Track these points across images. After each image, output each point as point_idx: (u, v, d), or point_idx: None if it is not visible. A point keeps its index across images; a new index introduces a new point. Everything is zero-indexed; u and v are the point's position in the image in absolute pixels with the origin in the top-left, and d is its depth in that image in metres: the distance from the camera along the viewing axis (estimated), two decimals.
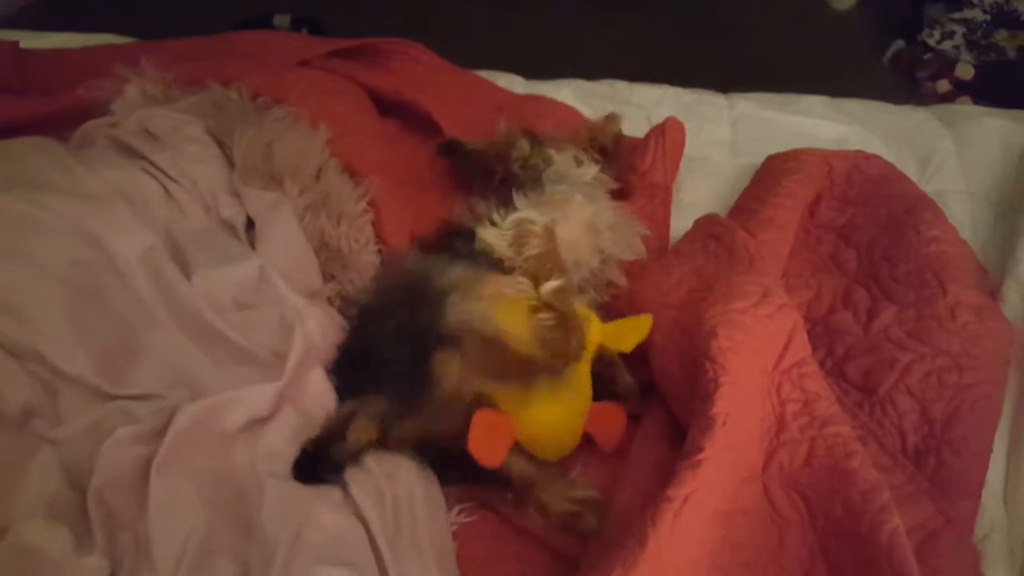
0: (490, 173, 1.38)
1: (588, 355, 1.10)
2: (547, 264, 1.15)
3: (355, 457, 1.03)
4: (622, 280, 1.27)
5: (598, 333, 1.13)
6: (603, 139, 1.39)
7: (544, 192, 1.25)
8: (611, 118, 1.46)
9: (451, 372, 1.01)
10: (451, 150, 1.45)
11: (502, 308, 1.05)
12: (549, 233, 1.17)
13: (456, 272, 1.09)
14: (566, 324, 1.05)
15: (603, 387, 1.14)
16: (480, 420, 1.00)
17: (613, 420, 1.14)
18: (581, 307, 1.13)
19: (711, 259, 1.22)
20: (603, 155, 1.39)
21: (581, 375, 1.10)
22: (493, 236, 1.18)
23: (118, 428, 0.96)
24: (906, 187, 1.37)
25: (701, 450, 0.91)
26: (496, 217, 1.20)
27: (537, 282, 1.11)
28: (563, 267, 1.16)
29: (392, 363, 1.05)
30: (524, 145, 1.35)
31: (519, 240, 1.17)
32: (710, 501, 0.89)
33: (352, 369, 1.10)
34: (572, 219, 1.21)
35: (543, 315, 1.06)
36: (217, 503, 0.95)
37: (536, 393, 1.04)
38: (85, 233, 1.10)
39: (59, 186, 1.15)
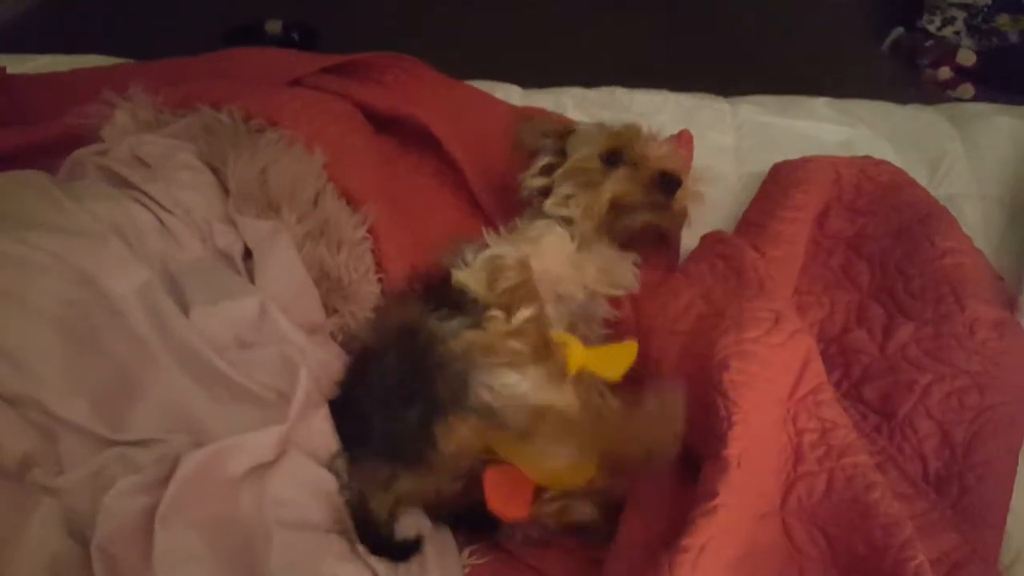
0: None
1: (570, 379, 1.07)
2: (519, 294, 1.12)
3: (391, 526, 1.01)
4: (613, 314, 1.25)
5: (581, 357, 1.09)
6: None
7: (518, 228, 1.23)
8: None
9: (458, 437, 0.98)
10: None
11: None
12: (522, 266, 1.14)
13: (466, 336, 1.05)
14: (541, 351, 1.03)
15: None
16: (492, 478, 0.98)
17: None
18: (559, 332, 1.11)
19: (720, 281, 1.19)
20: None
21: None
22: (466, 277, 1.15)
23: (120, 478, 0.93)
24: (917, 194, 1.34)
25: (715, 495, 0.88)
26: (468, 256, 1.17)
27: (510, 314, 1.08)
28: (536, 297, 1.12)
29: (381, 420, 1.03)
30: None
31: (493, 277, 1.14)
32: (728, 547, 0.87)
33: (346, 418, 1.08)
34: (548, 253, 1.18)
35: (514, 343, 1.03)
36: (224, 554, 0.93)
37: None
38: (78, 272, 1.07)
39: (49, 223, 1.11)
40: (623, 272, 1.26)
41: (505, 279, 1.12)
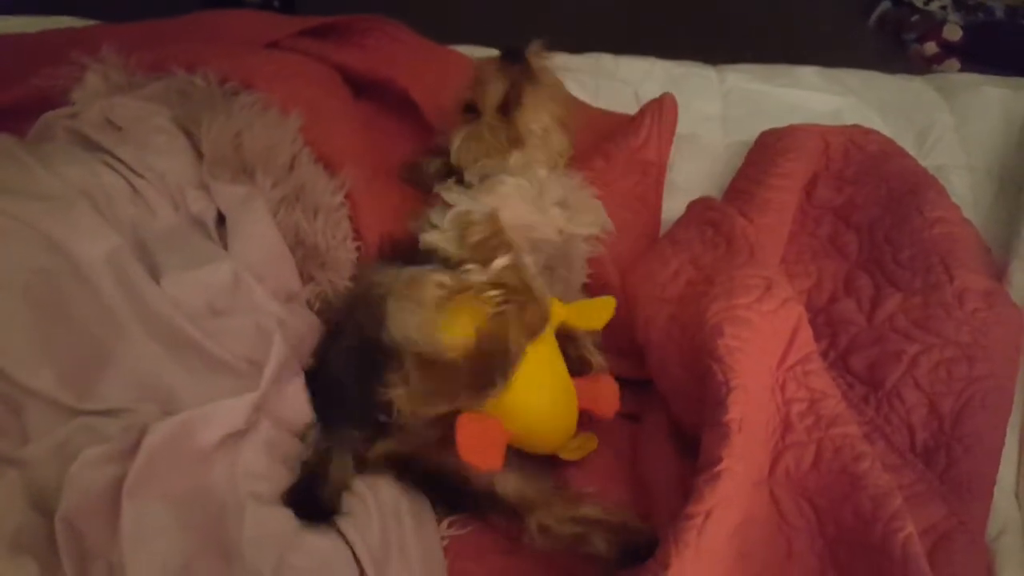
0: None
1: (551, 332, 1.06)
2: (491, 245, 1.08)
3: (339, 495, 0.98)
4: (594, 252, 1.23)
5: (561, 311, 1.08)
6: (486, 104, 1.25)
7: (475, 186, 1.20)
8: (483, 67, 1.29)
9: (400, 396, 0.95)
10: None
11: (447, 314, 0.99)
12: (491, 219, 1.11)
13: (390, 275, 1.02)
14: (519, 297, 1.00)
15: (574, 368, 1.09)
16: (465, 424, 0.94)
17: (604, 388, 1.09)
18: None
19: (709, 248, 1.17)
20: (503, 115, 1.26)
21: (552, 352, 1.06)
22: (438, 239, 1.12)
23: (86, 448, 0.90)
24: (906, 163, 1.32)
25: (719, 461, 0.86)
26: (435, 218, 1.14)
27: (486, 266, 1.05)
28: (509, 246, 1.08)
29: (347, 385, 1.01)
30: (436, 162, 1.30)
31: (463, 234, 1.10)
32: (730, 514, 0.85)
33: (315, 392, 1.06)
34: (512, 202, 1.16)
35: (493, 293, 1.00)
36: (194, 528, 0.90)
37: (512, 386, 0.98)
38: (45, 237, 1.03)
39: (15, 187, 1.07)
40: (587, 206, 1.24)
41: (474, 232, 1.09)
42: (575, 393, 1.06)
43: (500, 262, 1.03)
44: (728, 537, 0.86)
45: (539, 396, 1.02)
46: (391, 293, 0.99)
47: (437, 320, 0.97)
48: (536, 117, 1.25)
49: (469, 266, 1.04)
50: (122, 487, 0.88)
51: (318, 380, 1.06)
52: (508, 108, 1.24)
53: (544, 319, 1.01)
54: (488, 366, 0.94)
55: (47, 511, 0.89)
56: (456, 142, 1.25)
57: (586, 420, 1.09)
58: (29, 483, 0.92)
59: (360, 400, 0.99)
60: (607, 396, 1.09)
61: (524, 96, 1.24)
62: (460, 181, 1.25)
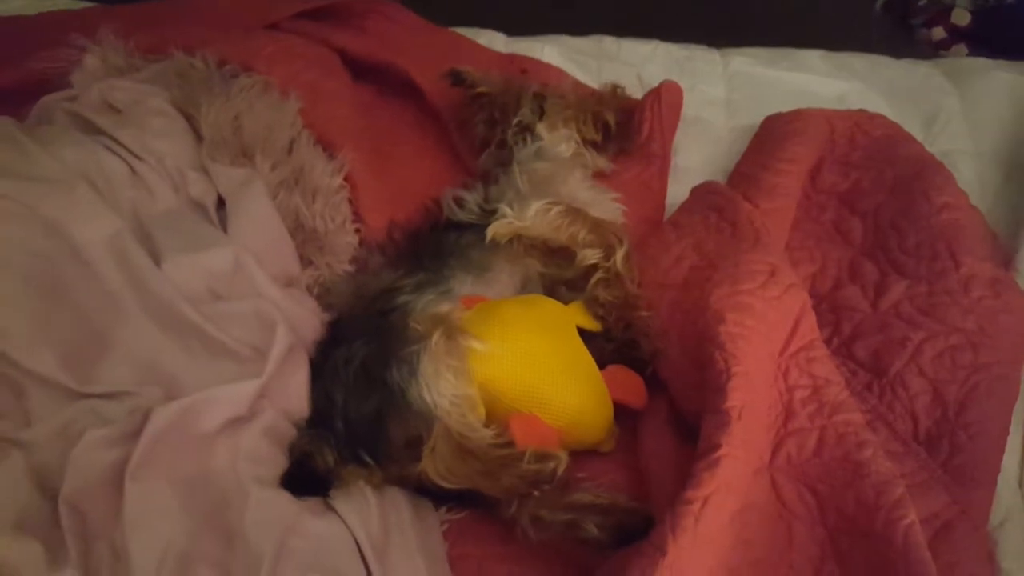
0: (492, 125, 1.34)
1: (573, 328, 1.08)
2: (608, 231, 1.14)
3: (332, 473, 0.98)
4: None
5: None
6: (608, 117, 1.34)
7: (516, 171, 1.23)
8: (616, 93, 1.41)
9: (426, 467, 0.95)
10: (460, 80, 1.36)
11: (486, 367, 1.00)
12: (575, 209, 1.15)
13: (424, 319, 1.01)
14: (630, 301, 1.07)
15: (624, 353, 1.10)
16: (519, 425, 0.95)
17: (630, 379, 1.10)
18: None
19: (712, 233, 1.16)
20: (605, 132, 1.34)
21: (576, 342, 1.07)
22: (522, 228, 1.14)
23: (89, 430, 0.90)
24: (913, 148, 1.30)
25: (718, 447, 0.86)
26: (508, 210, 1.15)
27: (612, 251, 1.11)
28: (623, 234, 1.15)
29: (336, 406, 1.00)
30: (528, 113, 1.31)
31: (558, 223, 1.13)
32: (729, 501, 0.85)
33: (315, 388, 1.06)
34: (574, 194, 1.19)
35: (608, 293, 1.08)
36: (197, 510, 0.90)
37: (549, 389, 1.00)
38: (44, 220, 1.03)
39: (14, 169, 1.06)
40: (609, 209, 1.27)
41: (576, 223, 1.13)
42: (606, 387, 1.06)
43: (622, 250, 1.11)
44: (726, 523, 0.86)
45: (580, 395, 1.03)
46: (426, 349, 0.98)
47: (476, 398, 0.98)
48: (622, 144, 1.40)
49: (590, 251, 1.11)
50: (125, 469, 0.88)
51: (313, 379, 1.06)
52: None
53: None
54: (536, 472, 0.93)
55: (50, 492, 0.89)
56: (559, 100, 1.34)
57: None
58: (32, 465, 0.92)
59: (345, 429, 0.99)
60: (635, 386, 1.10)
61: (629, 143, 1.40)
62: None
